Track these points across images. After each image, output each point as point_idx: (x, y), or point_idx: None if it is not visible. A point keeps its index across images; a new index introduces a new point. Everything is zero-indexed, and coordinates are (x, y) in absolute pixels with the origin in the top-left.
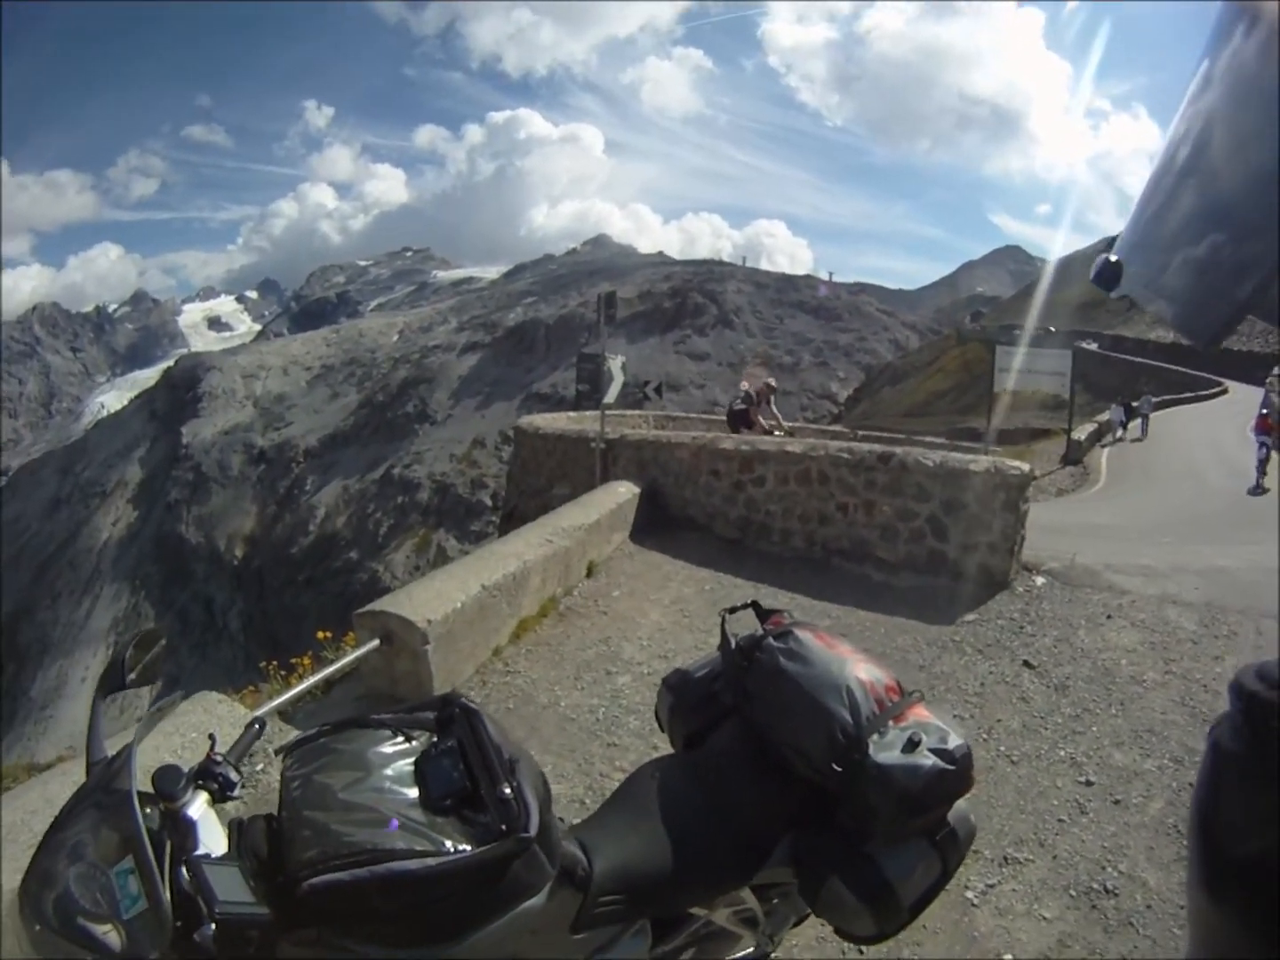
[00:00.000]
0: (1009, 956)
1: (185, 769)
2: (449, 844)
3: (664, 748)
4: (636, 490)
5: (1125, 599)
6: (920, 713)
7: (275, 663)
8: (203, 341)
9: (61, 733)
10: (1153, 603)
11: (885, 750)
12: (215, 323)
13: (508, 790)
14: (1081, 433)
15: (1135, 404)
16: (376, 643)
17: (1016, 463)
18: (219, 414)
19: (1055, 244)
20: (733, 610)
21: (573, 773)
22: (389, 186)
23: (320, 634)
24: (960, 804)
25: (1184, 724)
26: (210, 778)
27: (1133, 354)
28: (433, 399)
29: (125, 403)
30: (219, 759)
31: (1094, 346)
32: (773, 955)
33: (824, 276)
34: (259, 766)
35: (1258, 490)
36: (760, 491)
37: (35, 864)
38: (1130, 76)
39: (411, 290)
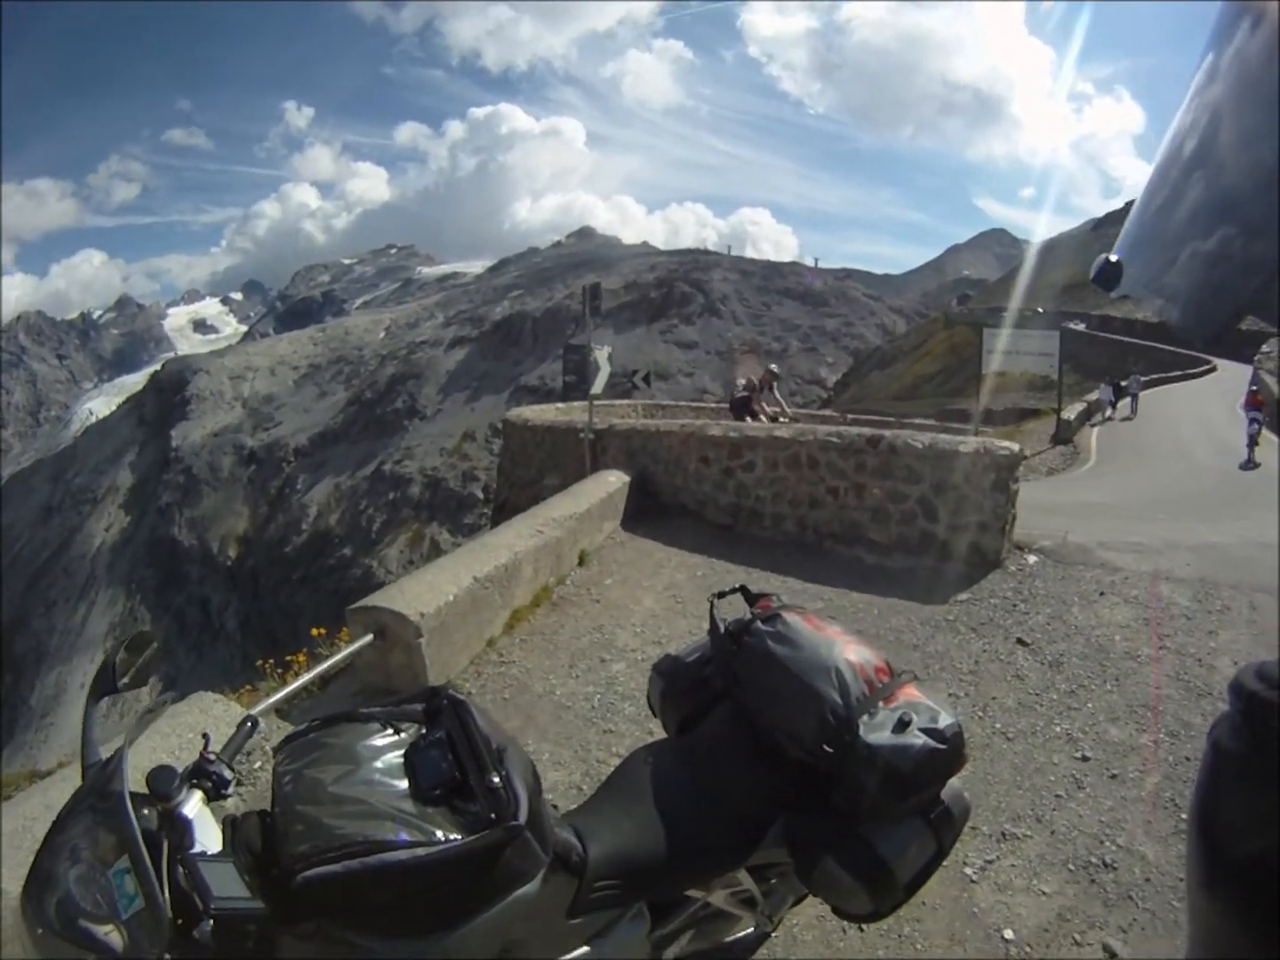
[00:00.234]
0: (1009, 931)
1: (180, 769)
2: (439, 834)
3: (659, 733)
4: (626, 479)
5: (1118, 576)
6: (911, 693)
7: (271, 661)
8: (189, 344)
9: (63, 739)
10: (1145, 579)
11: (875, 731)
12: (201, 325)
13: (496, 779)
14: (1071, 412)
15: (1124, 383)
16: (370, 638)
17: (1006, 443)
18: (208, 416)
19: (1040, 226)
20: (721, 595)
21: (569, 760)
22: (371, 185)
23: (315, 631)
24: (954, 782)
25: (1179, 698)
26: (204, 776)
27: (1121, 333)
28: (421, 394)
29: (113, 408)
30: (212, 758)
31: (1081, 327)
32: (773, 934)
33: (809, 263)
34: (257, 764)
35: (1249, 465)
36: (750, 477)
37: (36, 867)
38: (1113, 60)
39: (397, 287)
